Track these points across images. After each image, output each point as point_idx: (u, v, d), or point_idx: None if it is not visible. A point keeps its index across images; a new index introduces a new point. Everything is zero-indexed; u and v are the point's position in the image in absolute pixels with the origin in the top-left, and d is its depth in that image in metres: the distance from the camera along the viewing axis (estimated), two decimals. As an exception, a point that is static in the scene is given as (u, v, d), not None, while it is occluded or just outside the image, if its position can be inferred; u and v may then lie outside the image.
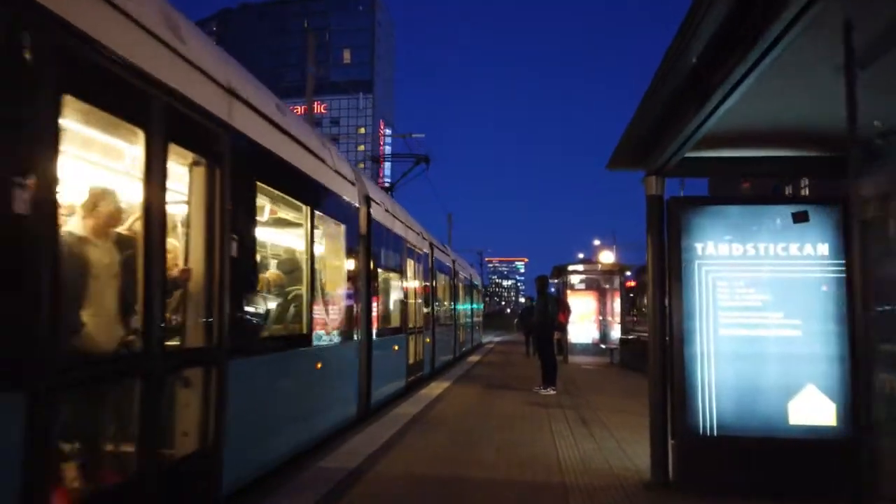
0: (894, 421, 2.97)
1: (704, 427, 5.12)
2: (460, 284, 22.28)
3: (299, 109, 53.83)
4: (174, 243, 4.35)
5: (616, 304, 20.33)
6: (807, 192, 23.10)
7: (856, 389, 4.79)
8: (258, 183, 5.37)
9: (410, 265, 12.56)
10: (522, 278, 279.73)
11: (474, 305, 28.82)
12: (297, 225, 6.66)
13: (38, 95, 2.85)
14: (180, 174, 4.29)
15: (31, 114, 2.83)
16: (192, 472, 4.20)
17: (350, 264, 8.16)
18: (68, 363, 3.19)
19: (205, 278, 4.34)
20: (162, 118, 3.76)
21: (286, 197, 6.18)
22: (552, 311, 12.28)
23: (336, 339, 7.45)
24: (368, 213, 9.08)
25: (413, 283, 12.88)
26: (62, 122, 3.03)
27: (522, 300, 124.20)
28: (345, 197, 7.95)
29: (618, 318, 20.13)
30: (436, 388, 12.09)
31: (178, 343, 4.24)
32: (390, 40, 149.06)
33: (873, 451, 3.96)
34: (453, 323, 20.06)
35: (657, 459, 5.32)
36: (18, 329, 2.72)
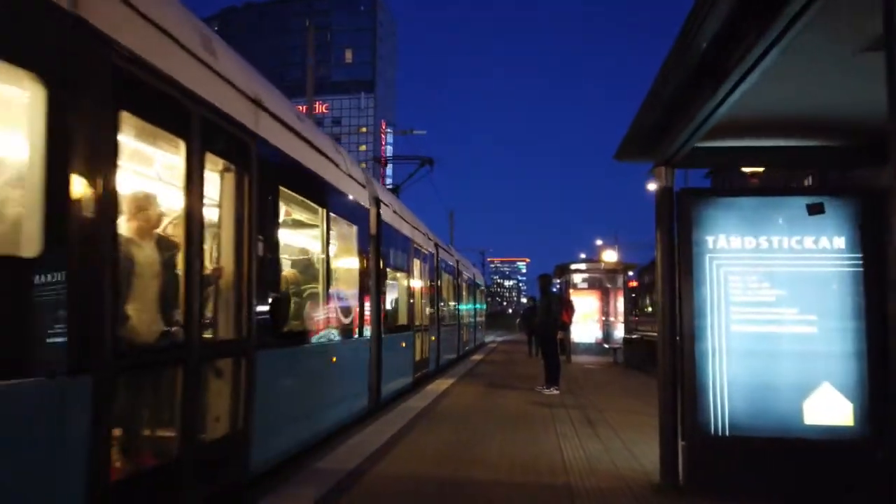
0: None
1: (716, 427, 4.93)
2: (464, 284, 22.44)
3: (301, 108, 53.59)
4: (208, 244, 4.59)
5: (619, 303, 20.15)
6: (808, 183, 22.80)
7: (882, 388, 4.62)
8: (281, 187, 5.67)
9: (417, 265, 12.91)
10: (524, 278, 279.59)
11: (477, 305, 29.04)
12: (314, 226, 7.02)
13: (102, 113, 3.19)
14: (213, 180, 4.59)
15: (97, 130, 3.15)
16: (224, 453, 4.57)
17: (361, 264, 8.47)
18: (124, 352, 3.52)
19: (234, 276, 4.71)
20: (200, 130, 4.12)
21: (305, 200, 6.54)
22: (556, 311, 12.12)
23: (349, 334, 7.76)
24: (378, 215, 9.40)
25: (419, 283, 13.25)
26: (121, 136, 3.39)
27: (524, 300, 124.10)
28: (357, 199, 8.28)
29: (621, 318, 19.95)
30: (441, 384, 12.35)
31: (212, 335, 4.56)
32: (392, 40, 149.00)
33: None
34: (457, 322, 20.32)
35: (667, 461, 5.12)
36: (87, 322, 3.05)
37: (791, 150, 5.39)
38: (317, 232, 6.95)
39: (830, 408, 4.82)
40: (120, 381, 3.43)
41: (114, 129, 3.28)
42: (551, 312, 11.99)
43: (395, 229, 10.73)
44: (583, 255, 54.09)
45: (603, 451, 6.50)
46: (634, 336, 18.89)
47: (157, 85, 3.69)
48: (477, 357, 21.74)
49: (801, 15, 2.57)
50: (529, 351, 21.41)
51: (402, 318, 11.63)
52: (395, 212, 10.86)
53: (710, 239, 5.05)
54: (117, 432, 3.50)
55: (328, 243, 6.93)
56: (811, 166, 10.97)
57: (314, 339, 6.62)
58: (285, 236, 6.70)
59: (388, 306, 10.10)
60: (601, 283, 20.39)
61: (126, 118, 3.44)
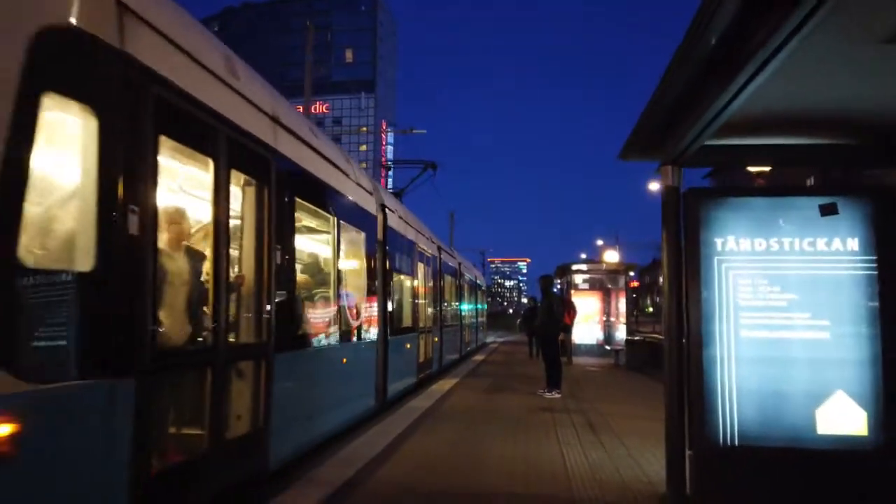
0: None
1: (725, 436, 4.73)
2: (465, 286, 22.53)
3: (300, 108, 53.57)
4: (231, 253, 4.84)
5: (621, 304, 19.99)
6: (811, 182, 22.63)
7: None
8: (297, 198, 5.97)
9: (420, 268, 13.21)
10: (525, 279, 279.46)
11: (479, 306, 29.20)
12: (326, 233, 7.37)
13: (145, 139, 3.49)
14: (236, 194, 4.87)
15: (142, 155, 3.46)
16: (246, 448, 4.84)
17: (369, 268, 8.79)
18: (161, 356, 3.78)
19: (255, 283, 5.01)
20: (226, 149, 4.42)
21: (318, 209, 6.86)
22: (558, 312, 11.95)
23: (357, 337, 8.08)
24: (384, 221, 9.73)
25: (423, 285, 13.58)
26: (160, 158, 3.68)
27: (525, 300, 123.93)
28: (365, 207, 8.61)
29: (623, 319, 19.78)
30: (444, 384, 12.56)
31: (235, 339, 4.81)
32: (393, 40, 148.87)
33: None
34: (459, 323, 20.45)
35: (673, 471, 4.92)
36: (131, 329, 3.34)
37: (800, 149, 5.19)
38: (328, 239, 7.28)
39: (844, 416, 4.63)
40: (158, 383, 3.71)
41: (154, 152, 3.60)
42: (553, 314, 11.81)
43: (399, 234, 10.97)
44: (583, 255, 53.95)
45: (606, 460, 6.33)
46: (637, 338, 18.72)
47: (190, 110, 4.02)
48: (478, 357, 21.73)
49: (819, 7, 2.40)
50: (530, 352, 21.28)
51: (407, 321, 11.88)
52: (400, 217, 11.14)
53: (718, 241, 4.86)
54: (156, 428, 3.79)
55: (338, 250, 7.27)
56: (820, 164, 10.77)
57: (326, 342, 6.91)
58: (300, 244, 6.92)
59: (394, 309, 10.35)
60: (602, 284, 20.24)
61: (164, 141, 3.75)
